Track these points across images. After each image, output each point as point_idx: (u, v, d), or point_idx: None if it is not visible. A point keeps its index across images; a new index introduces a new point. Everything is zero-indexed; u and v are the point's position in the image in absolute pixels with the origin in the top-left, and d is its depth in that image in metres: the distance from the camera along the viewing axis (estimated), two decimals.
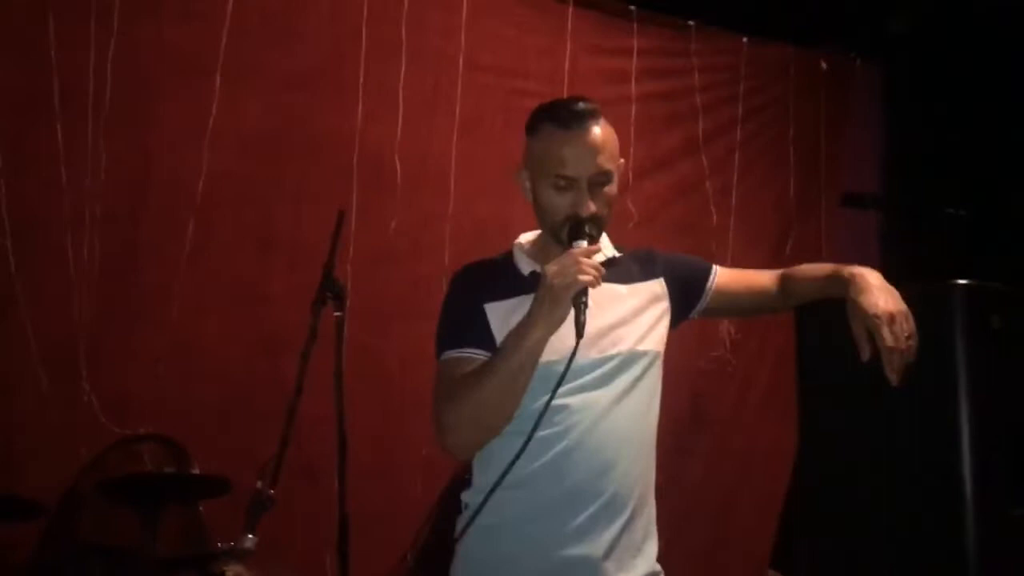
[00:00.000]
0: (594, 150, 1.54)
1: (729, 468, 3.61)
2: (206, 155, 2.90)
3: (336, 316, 2.35)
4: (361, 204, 3.03)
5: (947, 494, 1.40)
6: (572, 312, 1.44)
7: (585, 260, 1.43)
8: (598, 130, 1.56)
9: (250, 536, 2.06)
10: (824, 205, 3.87)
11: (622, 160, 1.63)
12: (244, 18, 3.00)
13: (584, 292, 1.43)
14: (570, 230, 1.53)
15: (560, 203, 1.54)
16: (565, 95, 3.40)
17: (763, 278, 1.72)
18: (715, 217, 3.67)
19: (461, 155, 3.26)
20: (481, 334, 1.54)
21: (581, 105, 1.57)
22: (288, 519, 2.40)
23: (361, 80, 3.15)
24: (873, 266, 1.56)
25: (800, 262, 1.75)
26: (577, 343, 1.43)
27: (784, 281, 1.69)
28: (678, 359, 3.42)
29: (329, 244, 2.37)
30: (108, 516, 2.43)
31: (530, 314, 1.45)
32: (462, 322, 1.56)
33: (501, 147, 3.15)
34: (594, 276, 1.43)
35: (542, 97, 1.70)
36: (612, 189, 1.58)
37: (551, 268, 1.44)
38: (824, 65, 3.88)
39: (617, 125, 3.99)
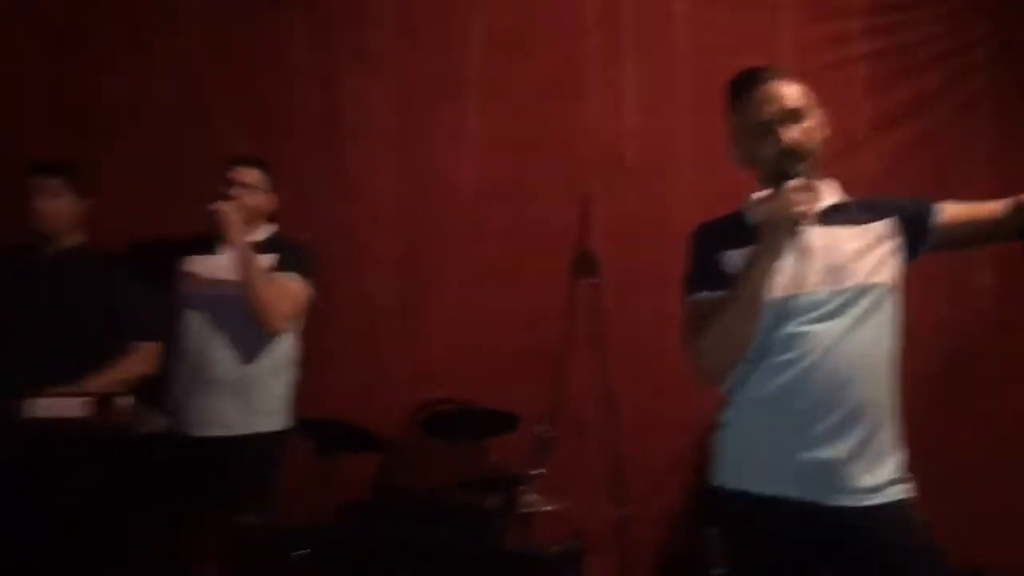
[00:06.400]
0: (779, 91, 1.78)
1: (1003, 431, 3.43)
2: (472, 160, 3.40)
3: (591, 284, 2.69)
4: (605, 190, 3.36)
5: None
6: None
7: (796, 194, 1.65)
8: (779, 80, 1.80)
9: (539, 470, 2.45)
10: None
11: (821, 111, 1.81)
12: (489, 42, 3.48)
13: (797, 221, 1.64)
14: (781, 164, 1.73)
15: (766, 147, 1.76)
16: (791, 65, 3.56)
17: (990, 207, 1.78)
18: (960, 167, 3.57)
19: (691, 137, 3.46)
20: (719, 278, 1.78)
21: (757, 69, 1.82)
22: (564, 465, 2.77)
23: (594, 79, 3.50)
24: None
25: None
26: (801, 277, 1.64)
27: (1012, 208, 1.75)
28: (933, 312, 3.41)
29: (579, 226, 2.72)
30: (424, 453, 2.98)
31: (756, 248, 1.69)
32: (702, 270, 1.82)
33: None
34: (806, 207, 1.64)
35: None
36: (811, 124, 1.77)
37: (770, 206, 1.68)
38: None
39: (846, 86, 3.98)
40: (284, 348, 2.87)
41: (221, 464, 2.67)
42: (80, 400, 2.30)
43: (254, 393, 2.78)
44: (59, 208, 2.82)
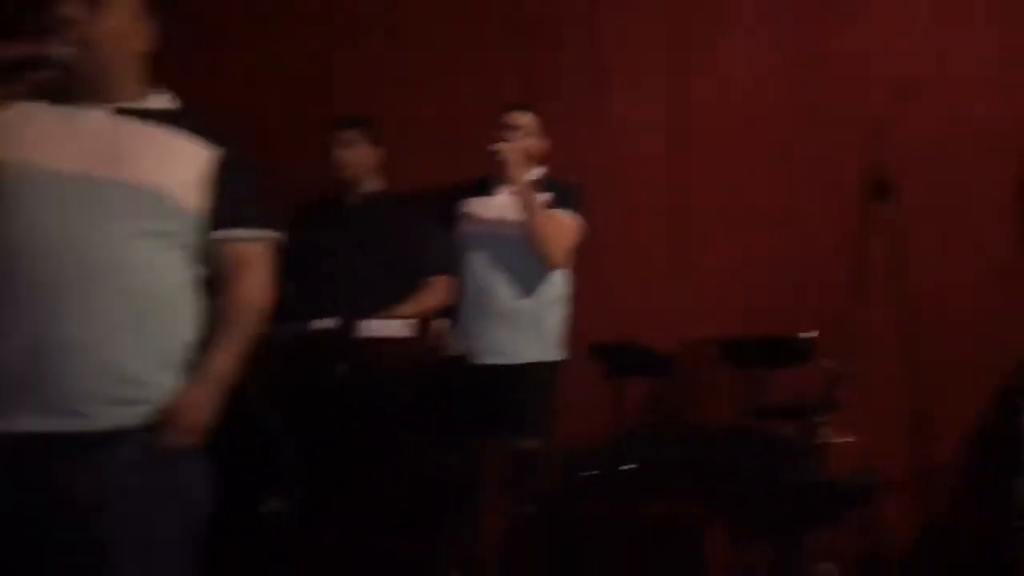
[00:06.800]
0: None
1: None
2: (743, 90, 3.33)
3: (885, 211, 2.53)
4: (892, 112, 3.11)
5: None
6: None
7: None
8: None
9: (832, 403, 2.37)
10: None
11: None
12: None
13: None
14: None
15: None
16: None
17: None
18: None
19: (991, 52, 3.16)
20: None
21: None
22: (858, 400, 2.65)
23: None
24: None
25: None
26: None
27: None
28: None
29: (870, 150, 2.55)
30: (705, 381, 3.01)
31: None
32: None
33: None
34: None
35: None
36: None
37: None
38: None
39: None
40: (559, 282, 2.98)
41: (502, 391, 2.83)
42: (405, 322, 2.54)
43: (532, 325, 2.92)
44: (357, 156, 3.10)
